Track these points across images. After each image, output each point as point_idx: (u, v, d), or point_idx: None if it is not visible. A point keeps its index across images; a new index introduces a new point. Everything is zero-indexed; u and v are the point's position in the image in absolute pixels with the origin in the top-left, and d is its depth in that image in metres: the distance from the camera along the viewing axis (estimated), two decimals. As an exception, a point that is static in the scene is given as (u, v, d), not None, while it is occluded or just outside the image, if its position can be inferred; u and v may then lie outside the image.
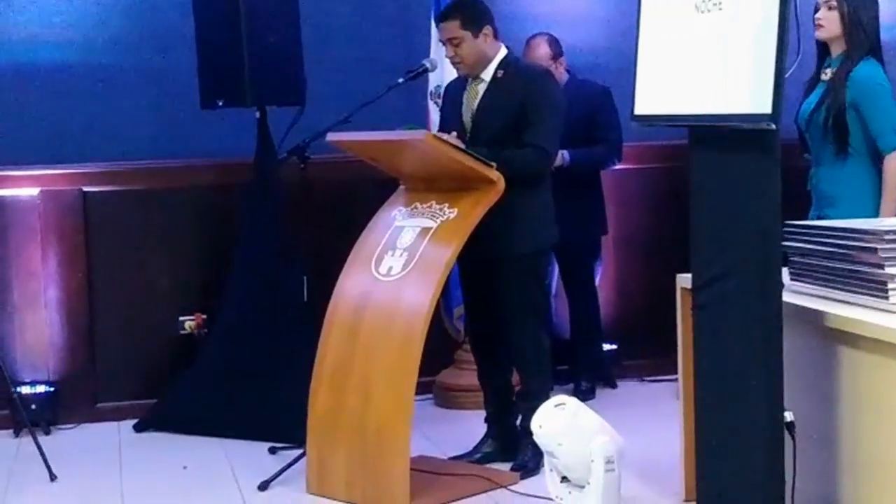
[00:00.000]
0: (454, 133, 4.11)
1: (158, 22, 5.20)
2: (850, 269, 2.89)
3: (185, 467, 4.43)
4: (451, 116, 4.29)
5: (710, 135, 2.84)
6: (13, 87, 5.10)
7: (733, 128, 2.71)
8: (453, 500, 3.89)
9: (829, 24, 3.73)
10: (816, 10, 3.75)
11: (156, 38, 5.21)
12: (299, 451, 4.12)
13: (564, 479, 3.46)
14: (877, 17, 3.75)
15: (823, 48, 3.80)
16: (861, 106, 3.68)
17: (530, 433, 3.48)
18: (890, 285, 2.76)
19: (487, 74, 4.19)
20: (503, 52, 4.21)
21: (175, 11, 5.08)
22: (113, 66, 5.20)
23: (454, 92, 4.33)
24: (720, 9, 2.72)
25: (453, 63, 4.22)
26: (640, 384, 5.46)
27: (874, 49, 3.73)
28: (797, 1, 2.59)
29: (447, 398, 5.21)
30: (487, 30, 4.15)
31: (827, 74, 3.78)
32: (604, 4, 5.61)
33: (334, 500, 3.90)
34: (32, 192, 5.04)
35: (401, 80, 4.32)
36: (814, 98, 3.80)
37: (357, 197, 4.94)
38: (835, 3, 3.72)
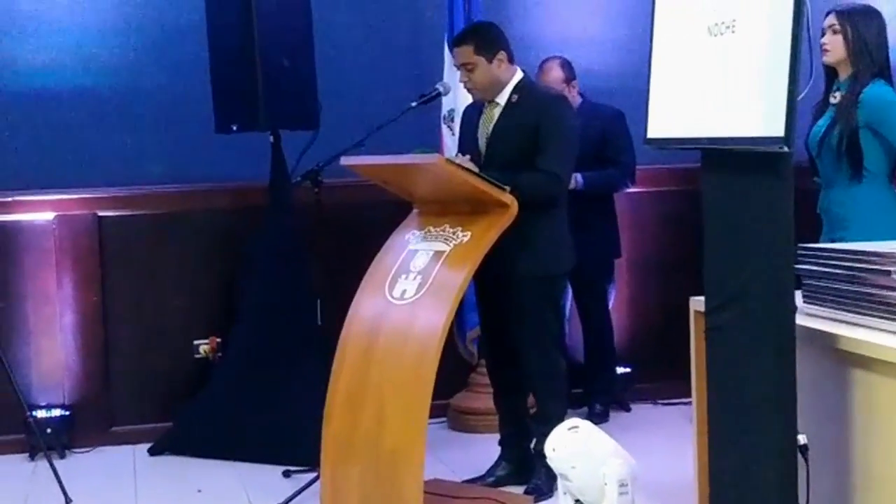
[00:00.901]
0: (467, 156, 4.13)
1: (173, 47, 5.24)
2: (863, 291, 2.88)
3: (199, 491, 4.43)
4: (468, 140, 4.31)
5: (722, 158, 2.85)
6: (28, 112, 5.14)
7: (746, 151, 2.71)
8: (467, 524, 3.89)
9: (835, 48, 3.74)
10: (823, 35, 3.77)
11: (170, 63, 5.24)
12: (313, 475, 4.13)
13: (578, 502, 3.45)
14: (884, 39, 3.75)
15: (832, 72, 3.81)
16: (878, 125, 3.68)
17: (544, 456, 3.47)
18: (903, 308, 2.76)
19: (502, 99, 4.20)
20: (518, 76, 4.23)
21: (189, 36, 5.12)
22: (127, 91, 5.23)
23: (471, 115, 4.34)
24: (733, 32, 2.73)
25: (467, 88, 4.24)
26: (654, 407, 5.45)
27: (882, 71, 3.73)
28: (809, 24, 2.60)
29: (461, 421, 5.20)
30: (502, 55, 4.17)
31: (836, 98, 3.79)
32: (617, 28, 5.63)
33: (348, 523, 3.90)
34: (48, 216, 5.07)
35: (414, 104, 4.34)
36: (824, 122, 3.80)
37: (370, 220, 4.94)
38: (839, 27, 3.73)
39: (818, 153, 3.82)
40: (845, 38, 3.72)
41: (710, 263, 2.92)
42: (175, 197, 5.21)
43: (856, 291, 2.91)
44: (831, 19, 3.76)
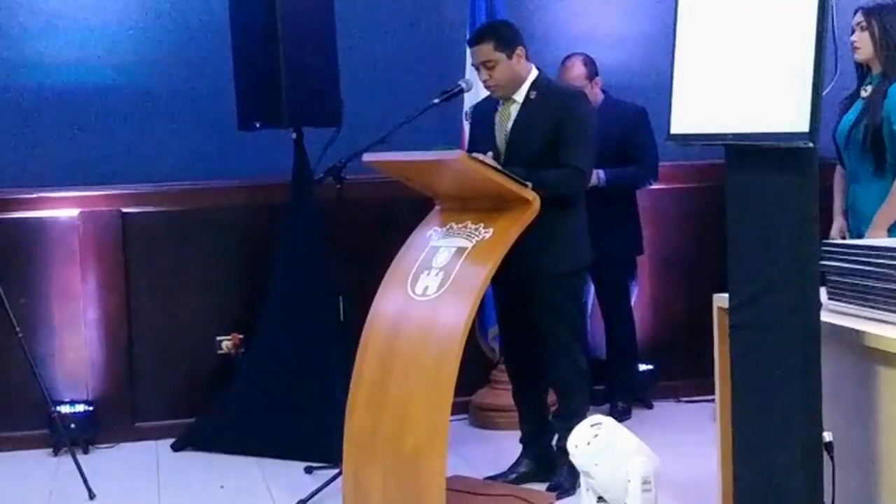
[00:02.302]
0: (489, 153, 4.13)
1: (196, 45, 5.26)
2: (888, 287, 2.86)
3: (222, 486, 4.45)
4: (481, 138, 4.29)
5: (746, 153, 2.83)
6: (53, 110, 5.17)
7: (770, 146, 2.70)
8: (489, 521, 3.89)
9: (863, 45, 3.73)
10: (852, 33, 3.75)
11: (193, 60, 5.26)
12: (335, 471, 4.13)
13: (601, 499, 3.45)
14: None
15: (864, 67, 3.79)
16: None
17: (566, 453, 3.47)
18: (929, 305, 2.74)
19: (520, 96, 4.19)
20: (534, 73, 4.22)
21: (212, 34, 5.14)
22: (151, 88, 5.26)
23: (484, 113, 4.33)
24: (757, 27, 2.72)
25: (487, 86, 4.22)
26: (677, 405, 5.44)
27: None
28: (834, 19, 2.59)
29: (483, 418, 5.21)
30: (520, 51, 4.16)
31: (867, 91, 3.77)
32: (639, 24, 5.62)
33: (370, 519, 3.91)
34: (72, 213, 5.10)
35: (436, 101, 4.33)
36: (852, 115, 3.79)
37: (393, 217, 4.96)
38: (866, 24, 3.72)
39: (845, 146, 3.81)
40: (872, 34, 3.71)
41: (734, 260, 2.91)
42: (198, 194, 5.22)
43: (881, 287, 2.89)
44: (859, 16, 3.74)
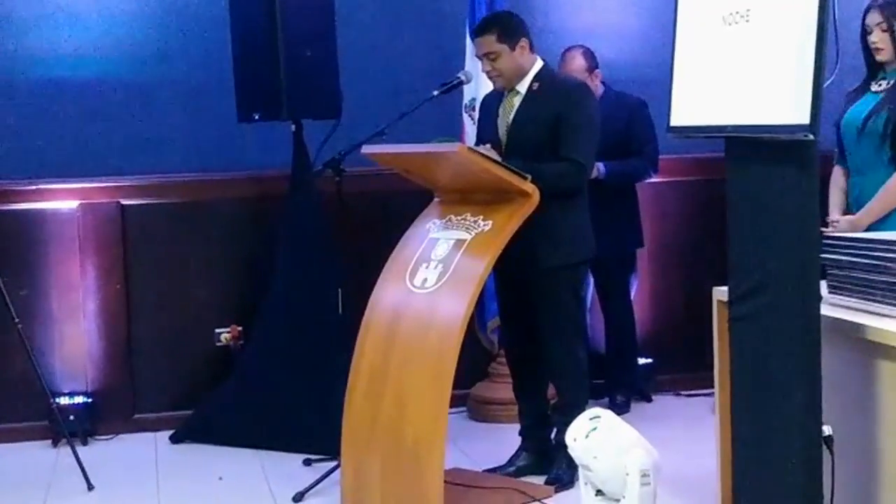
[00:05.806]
0: (489, 145, 4.12)
1: (196, 37, 5.25)
2: (889, 281, 2.86)
3: (220, 478, 4.45)
4: (487, 129, 4.30)
5: (747, 146, 2.83)
6: (53, 102, 5.16)
7: (771, 139, 2.69)
8: (488, 513, 3.89)
9: (885, 45, 3.72)
10: (869, 33, 3.74)
11: (193, 52, 5.25)
12: (334, 463, 4.13)
13: (599, 492, 3.45)
14: None
15: (878, 62, 3.78)
16: None
17: (565, 446, 3.46)
18: (930, 298, 2.73)
19: (523, 87, 4.18)
20: (539, 64, 4.21)
21: (213, 26, 5.13)
22: (151, 80, 5.25)
23: (490, 104, 4.33)
24: (760, 20, 2.71)
25: (490, 77, 4.22)
26: (676, 398, 5.43)
27: None
28: (836, 10, 2.58)
29: (481, 411, 5.20)
30: (524, 42, 4.15)
31: (881, 86, 3.76)
32: (640, 17, 5.60)
33: (369, 512, 3.91)
34: (71, 204, 5.09)
35: (435, 93, 4.32)
36: (864, 105, 3.77)
37: (392, 209, 4.95)
38: (886, 25, 3.70)
39: (857, 137, 3.78)
40: (890, 32, 3.70)
41: (734, 253, 2.91)
42: (198, 186, 5.22)
43: (881, 281, 2.89)
44: (876, 16, 3.73)
